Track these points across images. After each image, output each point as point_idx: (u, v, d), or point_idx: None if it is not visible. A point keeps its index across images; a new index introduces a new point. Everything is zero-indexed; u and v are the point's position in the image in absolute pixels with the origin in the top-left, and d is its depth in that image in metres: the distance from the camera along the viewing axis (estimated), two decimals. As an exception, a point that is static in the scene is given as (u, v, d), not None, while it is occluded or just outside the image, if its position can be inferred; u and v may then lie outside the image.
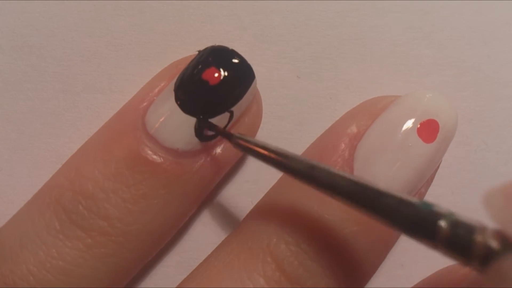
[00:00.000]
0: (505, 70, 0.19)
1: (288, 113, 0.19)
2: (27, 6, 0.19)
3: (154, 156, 0.16)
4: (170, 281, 0.19)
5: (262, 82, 0.18)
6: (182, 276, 0.17)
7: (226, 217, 0.19)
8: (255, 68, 0.17)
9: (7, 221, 0.17)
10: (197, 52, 0.17)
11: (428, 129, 0.16)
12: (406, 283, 0.19)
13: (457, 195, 0.19)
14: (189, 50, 0.19)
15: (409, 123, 0.16)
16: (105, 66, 0.19)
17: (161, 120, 0.16)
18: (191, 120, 0.16)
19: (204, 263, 0.17)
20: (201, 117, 0.16)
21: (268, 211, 0.17)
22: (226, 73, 0.16)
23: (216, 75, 0.16)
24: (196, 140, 0.16)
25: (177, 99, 0.16)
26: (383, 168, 0.16)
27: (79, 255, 0.16)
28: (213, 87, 0.16)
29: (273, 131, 0.19)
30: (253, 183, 0.19)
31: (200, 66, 0.16)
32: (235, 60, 0.16)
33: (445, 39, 0.19)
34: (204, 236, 0.19)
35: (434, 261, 0.19)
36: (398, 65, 0.19)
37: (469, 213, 0.19)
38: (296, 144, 0.19)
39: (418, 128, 0.16)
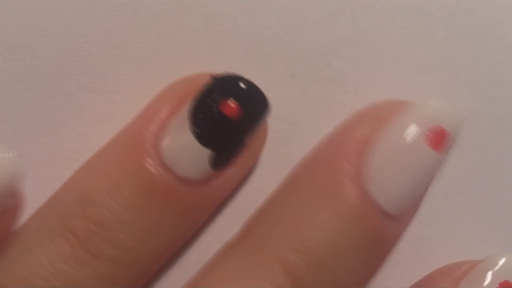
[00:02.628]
0: (500, 70, 0.19)
1: (282, 113, 0.19)
2: (21, 6, 0.19)
3: (169, 186, 0.16)
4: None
5: (256, 82, 0.18)
6: (183, 280, 0.17)
7: (228, 221, 0.19)
8: (249, 68, 0.17)
9: (10, 244, 0.16)
10: (209, 77, 0.17)
11: (437, 137, 0.16)
12: (400, 283, 0.19)
13: (451, 195, 0.19)
14: (184, 50, 0.19)
15: (418, 131, 0.16)
16: (99, 66, 0.19)
17: (176, 150, 0.16)
18: (207, 151, 0.16)
19: (208, 269, 0.17)
20: (218, 150, 0.16)
21: (275, 215, 0.17)
22: (244, 105, 0.16)
23: (235, 107, 0.16)
24: (210, 169, 0.16)
25: (194, 131, 0.16)
26: (393, 176, 0.16)
27: (92, 283, 0.16)
28: (231, 120, 0.16)
29: (268, 131, 0.19)
30: (255, 185, 0.19)
31: (217, 97, 0.16)
32: (252, 91, 0.16)
33: (440, 39, 0.19)
34: (205, 239, 0.19)
35: (429, 261, 0.19)
36: (392, 65, 0.19)
37: (465, 214, 0.19)
38: (291, 144, 0.19)
39: (427, 136, 0.16)
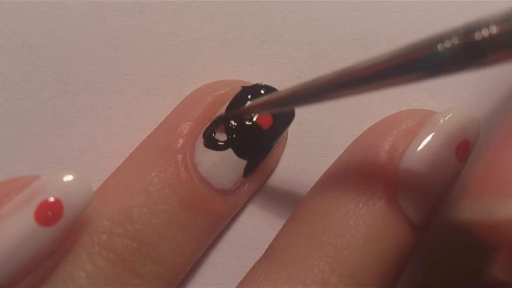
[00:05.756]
0: (505, 70, 0.19)
1: (288, 113, 0.19)
2: (27, 6, 0.19)
3: (207, 198, 0.16)
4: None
5: (262, 82, 0.18)
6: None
7: (231, 220, 0.19)
8: (255, 68, 0.17)
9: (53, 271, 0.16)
10: (240, 88, 0.17)
11: (463, 150, 0.16)
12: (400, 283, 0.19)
13: (455, 195, 0.19)
14: (189, 50, 0.19)
15: (448, 145, 0.16)
16: (105, 66, 0.19)
17: (213, 162, 0.16)
18: (243, 162, 0.16)
19: None
20: (252, 159, 0.17)
21: (312, 235, 0.16)
22: (276, 116, 0.17)
23: (268, 119, 0.16)
24: (242, 178, 0.17)
25: (230, 143, 0.16)
26: (422, 189, 0.16)
27: None
28: (266, 131, 0.16)
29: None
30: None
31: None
32: None
33: (445, 39, 0.19)
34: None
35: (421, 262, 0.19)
36: (398, 65, 0.19)
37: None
38: (296, 144, 0.19)
39: (455, 149, 0.16)
